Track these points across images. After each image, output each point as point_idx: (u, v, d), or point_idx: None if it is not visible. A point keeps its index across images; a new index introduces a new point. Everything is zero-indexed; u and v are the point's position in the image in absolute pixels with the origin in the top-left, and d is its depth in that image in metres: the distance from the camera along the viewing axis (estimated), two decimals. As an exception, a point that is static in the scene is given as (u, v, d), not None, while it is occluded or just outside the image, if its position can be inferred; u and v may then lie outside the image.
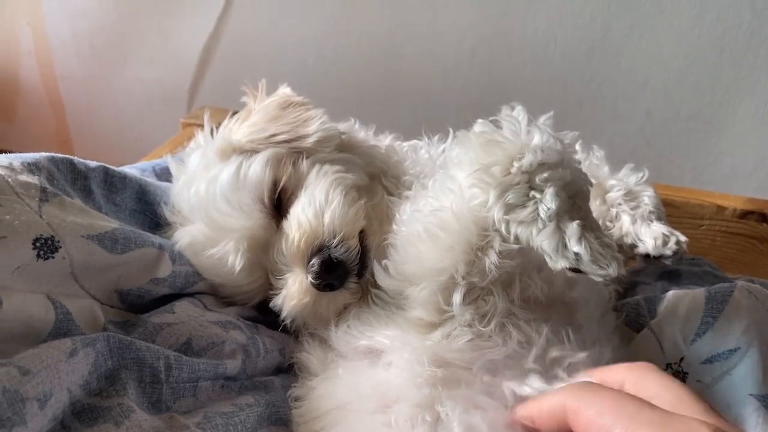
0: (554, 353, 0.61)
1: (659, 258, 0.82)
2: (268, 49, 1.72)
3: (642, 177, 0.90)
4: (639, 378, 0.48)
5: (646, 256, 0.83)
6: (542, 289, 0.64)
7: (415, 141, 0.89)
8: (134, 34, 1.83)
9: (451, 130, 0.83)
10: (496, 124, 0.62)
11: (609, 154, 0.93)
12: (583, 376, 0.56)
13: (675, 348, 0.67)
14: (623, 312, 0.74)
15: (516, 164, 0.58)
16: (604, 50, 1.47)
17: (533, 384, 0.58)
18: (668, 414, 0.42)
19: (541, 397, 0.52)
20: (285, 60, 1.72)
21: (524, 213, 0.57)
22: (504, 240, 0.59)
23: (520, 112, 0.62)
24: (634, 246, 0.84)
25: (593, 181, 0.88)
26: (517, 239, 0.58)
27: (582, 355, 0.61)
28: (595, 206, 0.88)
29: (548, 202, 0.56)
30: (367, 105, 1.71)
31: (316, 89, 1.64)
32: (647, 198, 0.87)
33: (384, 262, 0.67)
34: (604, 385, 0.49)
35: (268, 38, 1.71)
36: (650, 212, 0.85)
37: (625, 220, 0.86)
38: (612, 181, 0.89)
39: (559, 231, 0.56)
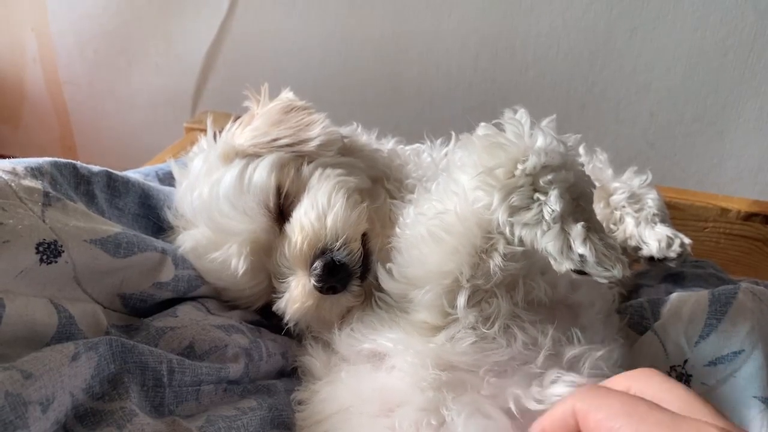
0: (565, 353, 0.61)
1: (663, 260, 0.82)
2: (271, 54, 1.73)
3: (645, 179, 0.89)
4: (643, 383, 0.48)
5: (650, 258, 0.83)
6: (546, 291, 0.64)
7: (417, 144, 0.89)
8: (138, 39, 1.84)
9: (453, 134, 0.83)
10: (499, 127, 0.62)
11: (612, 157, 0.93)
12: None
13: (679, 350, 0.67)
14: (627, 314, 0.74)
15: (520, 167, 0.58)
16: (607, 53, 1.47)
17: (536, 390, 0.58)
18: (677, 416, 0.42)
19: (550, 409, 0.52)
20: (289, 64, 1.72)
21: (528, 215, 0.57)
22: (508, 242, 0.59)
23: (522, 115, 0.62)
24: (638, 248, 0.84)
25: (597, 183, 0.88)
26: (521, 241, 0.58)
27: (594, 354, 0.61)
28: (598, 209, 0.88)
29: (552, 204, 0.56)
30: (371, 109, 1.71)
31: (320, 93, 1.65)
32: (651, 200, 0.87)
33: (388, 265, 0.66)
34: (612, 388, 0.48)
35: (271, 43, 1.71)
36: (654, 215, 0.85)
37: (629, 223, 0.85)
38: (615, 184, 0.89)
39: (564, 233, 0.56)
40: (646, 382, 0.48)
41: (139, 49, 1.85)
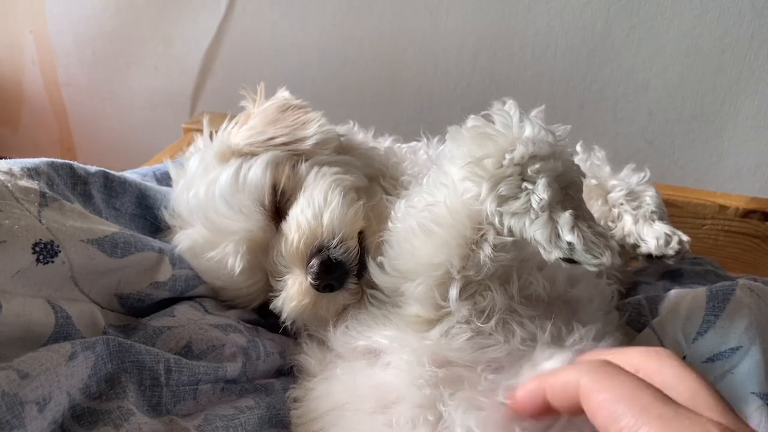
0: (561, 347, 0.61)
1: (662, 258, 0.82)
2: (270, 54, 1.73)
3: (643, 177, 0.89)
4: (656, 366, 0.46)
5: (649, 256, 0.82)
6: (544, 287, 0.64)
7: (414, 142, 0.89)
8: (136, 41, 1.84)
9: (450, 132, 0.83)
10: (488, 119, 0.62)
11: (611, 155, 0.93)
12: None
13: (677, 347, 0.67)
14: (625, 312, 0.74)
15: (508, 156, 0.57)
16: (605, 51, 1.47)
17: (527, 373, 0.58)
18: (681, 411, 0.41)
19: (556, 370, 0.50)
20: (287, 65, 1.72)
21: (517, 204, 0.57)
22: (498, 233, 0.59)
23: (511, 106, 0.62)
24: (636, 246, 0.83)
25: (594, 181, 0.88)
26: (510, 231, 0.58)
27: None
28: (597, 207, 0.88)
29: (540, 192, 0.56)
30: (370, 109, 1.71)
31: (319, 94, 1.65)
32: (649, 198, 0.87)
33: (379, 259, 0.66)
34: (622, 368, 0.47)
35: (270, 43, 1.71)
36: (652, 212, 0.85)
37: (627, 220, 0.85)
38: (613, 182, 0.89)
39: (552, 221, 0.56)
40: (657, 366, 0.46)
41: (137, 51, 1.85)
